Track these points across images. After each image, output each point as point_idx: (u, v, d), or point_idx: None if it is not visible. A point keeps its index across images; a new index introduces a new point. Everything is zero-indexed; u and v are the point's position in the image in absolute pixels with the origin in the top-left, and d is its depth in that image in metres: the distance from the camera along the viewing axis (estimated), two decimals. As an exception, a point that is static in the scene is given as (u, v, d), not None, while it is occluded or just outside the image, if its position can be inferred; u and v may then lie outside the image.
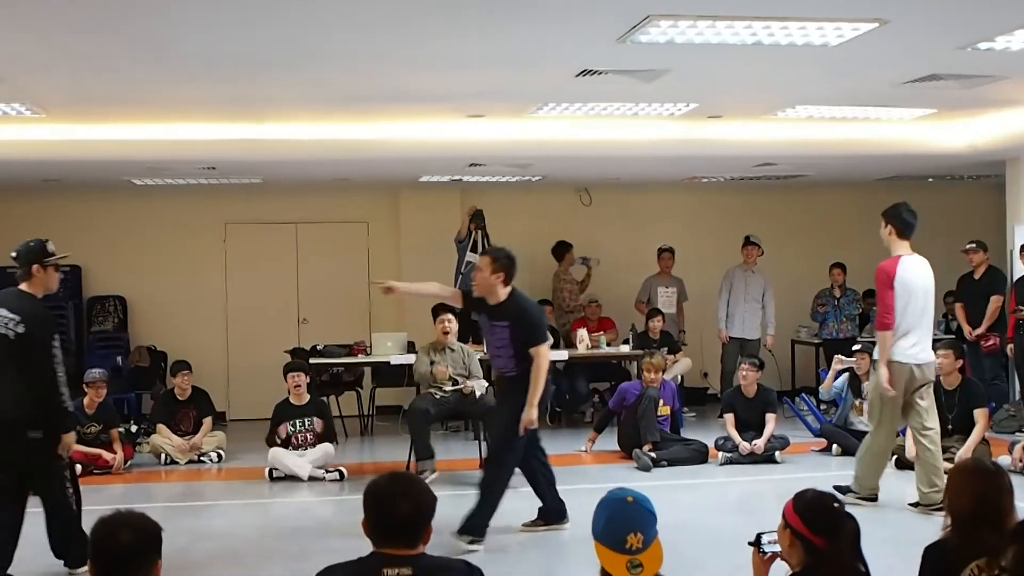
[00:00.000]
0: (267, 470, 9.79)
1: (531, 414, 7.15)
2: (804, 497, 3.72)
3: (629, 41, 6.67)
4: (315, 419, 10.14)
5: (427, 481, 8.59)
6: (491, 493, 7.28)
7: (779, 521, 3.71)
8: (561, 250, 13.79)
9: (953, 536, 3.82)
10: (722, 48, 6.91)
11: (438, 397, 9.83)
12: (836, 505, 3.73)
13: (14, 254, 6.66)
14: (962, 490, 3.90)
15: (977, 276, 12.00)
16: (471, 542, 7.07)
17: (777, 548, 3.77)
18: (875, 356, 8.03)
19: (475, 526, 7.16)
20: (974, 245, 12.02)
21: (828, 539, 3.57)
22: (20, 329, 6.43)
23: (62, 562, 6.73)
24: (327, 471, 9.71)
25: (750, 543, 3.91)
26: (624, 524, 3.35)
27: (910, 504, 8.03)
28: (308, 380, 10.40)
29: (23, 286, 6.61)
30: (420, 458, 9.46)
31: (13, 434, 6.45)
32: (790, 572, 3.67)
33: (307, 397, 10.27)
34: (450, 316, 10.13)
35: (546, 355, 7.31)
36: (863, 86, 8.80)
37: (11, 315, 6.47)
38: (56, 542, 6.70)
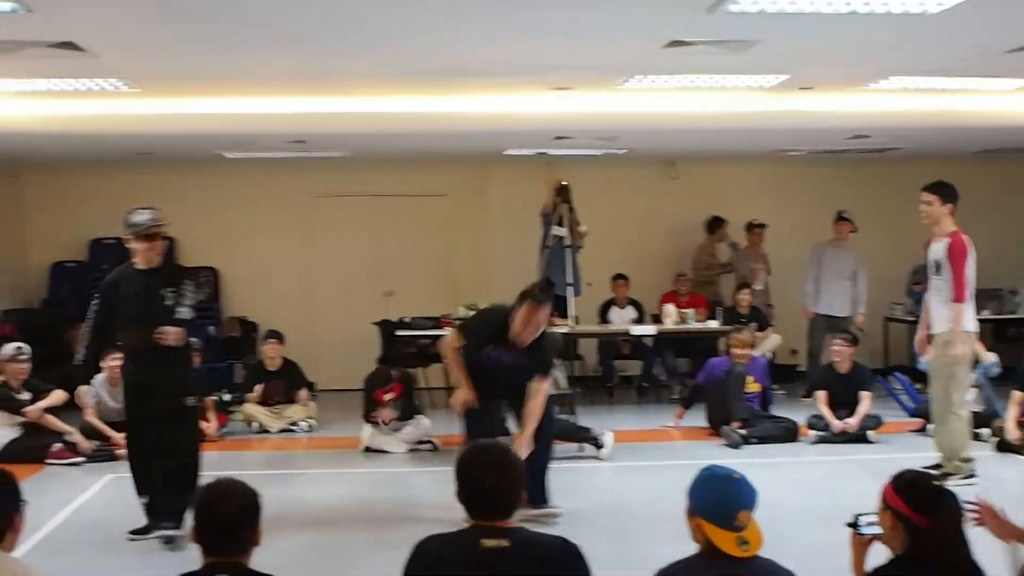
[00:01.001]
0: (362, 445, 9.93)
1: (522, 445, 6.96)
2: (903, 477, 3.66)
3: (719, 10, 6.57)
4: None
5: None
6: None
7: (878, 504, 3.66)
8: (714, 225, 13.81)
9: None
10: (815, 17, 6.75)
11: None
12: (937, 483, 3.68)
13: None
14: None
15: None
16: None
17: (877, 530, 3.70)
18: (936, 330, 8.22)
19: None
20: None
21: (931, 518, 3.49)
22: None
23: None
24: (420, 443, 9.84)
25: (848, 524, 3.85)
26: (735, 501, 3.34)
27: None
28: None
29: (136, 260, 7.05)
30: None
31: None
32: (891, 554, 3.61)
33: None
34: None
35: (547, 388, 7.34)
36: (962, 56, 8.56)
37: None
38: None
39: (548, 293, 7.61)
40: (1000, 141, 12.47)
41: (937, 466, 8.05)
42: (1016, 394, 9.60)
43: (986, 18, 7.02)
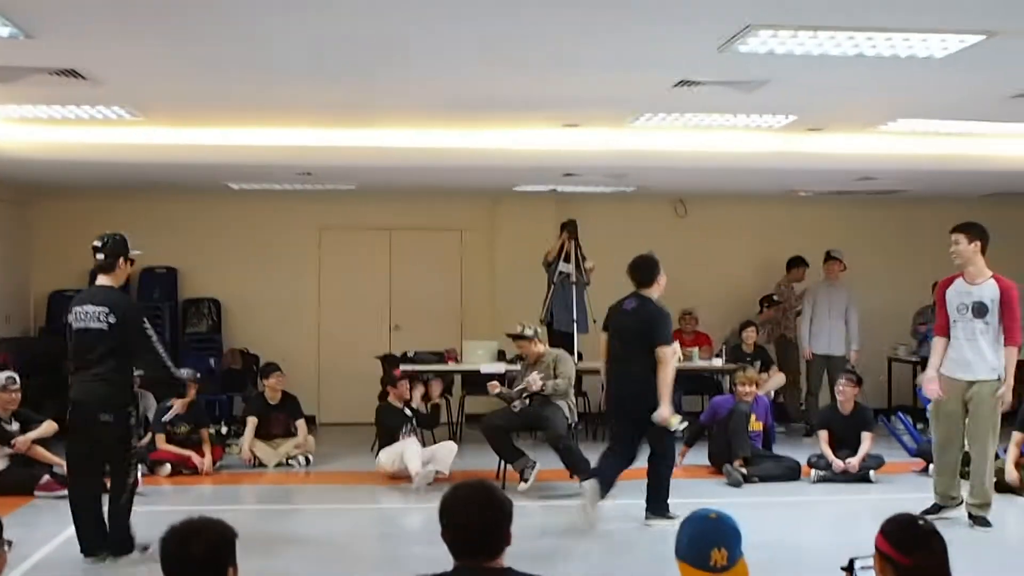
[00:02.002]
0: (383, 468, 10.00)
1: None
2: (891, 519, 3.61)
3: (729, 51, 6.55)
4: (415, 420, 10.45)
5: (530, 478, 8.76)
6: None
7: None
8: (795, 263, 13.79)
9: None
10: (823, 59, 6.74)
11: (517, 410, 9.67)
12: (922, 523, 3.61)
13: (99, 244, 7.10)
14: None
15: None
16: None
17: (871, 574, 3.65)
18: (980, 375, 7.92)
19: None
20: None
21: (914, 557, 3.43)
22: (112, 319, 6.90)
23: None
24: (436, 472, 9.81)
25: (843, 568, 3.80)
26: (708, 540, 3.29)
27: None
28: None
29: (104, 279, 7.11)
30: (512, 460, 9.45)
31: (89, 418, 6.95)
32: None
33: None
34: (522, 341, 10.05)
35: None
36: (970, 99, 8.55)
37: (99, 307, 6.93)
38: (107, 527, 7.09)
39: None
40: (1006, 184, 12.43)
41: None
42: (1016, 435, 9.53)
43: (990, 64, 7.00)
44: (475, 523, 3.28)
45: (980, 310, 7.92)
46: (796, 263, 13.84)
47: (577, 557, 7.46)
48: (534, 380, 9.59)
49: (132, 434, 7.09)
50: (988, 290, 7.90)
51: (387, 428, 10.23)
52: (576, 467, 9.14)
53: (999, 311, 7.85)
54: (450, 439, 10.81)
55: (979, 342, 7.89)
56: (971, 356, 7.91)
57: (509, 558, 3.34)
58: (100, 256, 7.10)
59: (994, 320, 7.86)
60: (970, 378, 7.91)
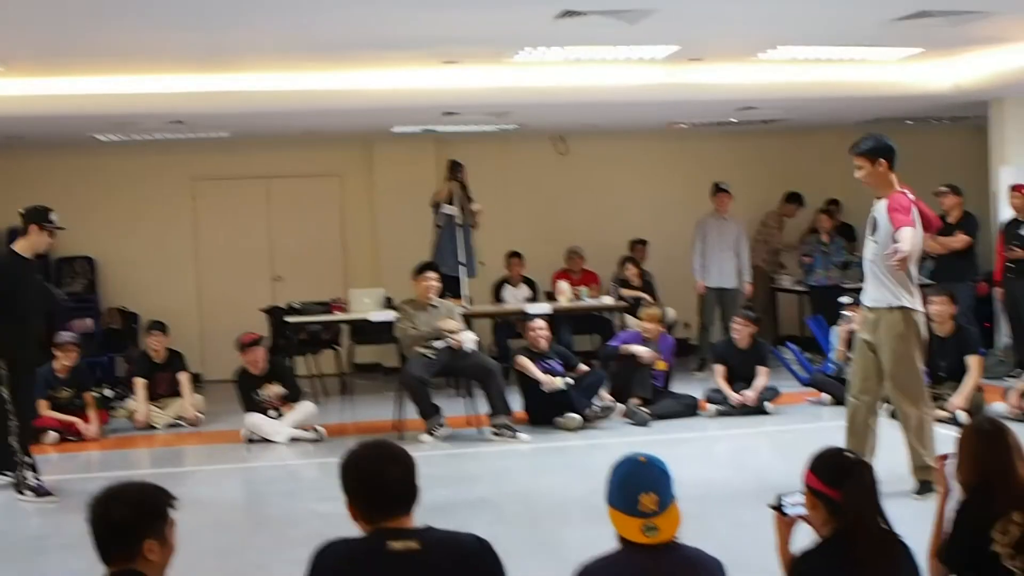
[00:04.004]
0: (244, 434, 9.56)
1: None
2: (817, 455, 3.59)
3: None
4: (279, 384, 9.85)
5: (437, 436, 8.63)
6: None
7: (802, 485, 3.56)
8: (793, 200, 13.93)
9: (971, 502, 3.87)
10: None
11: (431, 357, 9.43)
12: (848, 455, 3.63)
13: (22, 212, 7.60)
14: (966, 460, 3.98)
15: (951, 220, 11.40)
16: None
17: (801, 510, 3.61)
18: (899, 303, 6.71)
19: None
20: (946, 189, 11.55)
21: (843, 490, 3.41)
22: None
23: None
24: (305, 430, 9.51)
25: (771, 506, 3.75)
26: (636, 484, 3.16)
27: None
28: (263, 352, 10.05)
29: (15, 244, 7.60)
30: (427, 416, 9.27)
31: None
32: (817, 537, 3.49)
33: (265, 366, 9.90)
34: (435, 274, 9.85)
35: None
36: (849, 24, 8.58)
37: None
38: None
39: None
40: (884, 110, 12.57)
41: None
42: None
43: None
44: (394, 478, 3.14)
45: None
46: (792, 199, 13.99)
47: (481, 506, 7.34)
48: (469, 339, 9.58)
49: None
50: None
51: (245, 397, 9.84)
52: (497, 406, 9.25)
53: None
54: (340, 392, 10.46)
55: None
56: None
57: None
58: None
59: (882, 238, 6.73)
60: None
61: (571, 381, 9.58)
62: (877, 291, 6.78)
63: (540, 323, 10.13)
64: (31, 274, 7.78)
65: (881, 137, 6.87)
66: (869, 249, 6.86)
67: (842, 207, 14.03)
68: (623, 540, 3.16)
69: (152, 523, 3.08)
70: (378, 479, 3.14)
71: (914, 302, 6.74)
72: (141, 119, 10.85)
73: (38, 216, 7.60)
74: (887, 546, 3.42)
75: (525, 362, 9.71)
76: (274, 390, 9.72)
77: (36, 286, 7.92)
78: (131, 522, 3.04)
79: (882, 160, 6.72)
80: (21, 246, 7.58)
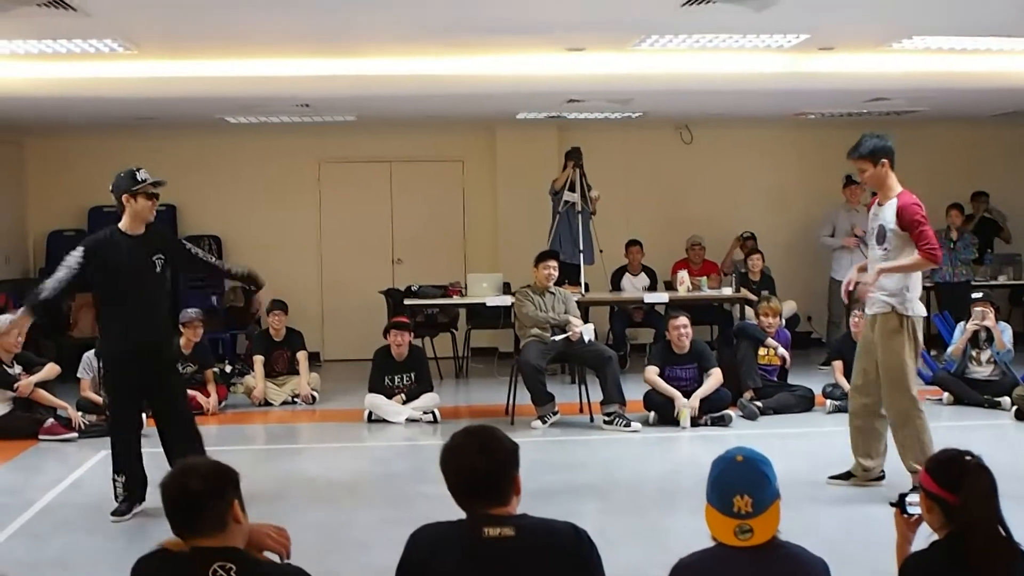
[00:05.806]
0: (365, 413, 9.67)
1: None
2: (934, 456, 3.47)
3: (740, -35, 6.30)
4: (413, 374, 9.94)
5: (549, 424, 8.58)
6: None
7: None
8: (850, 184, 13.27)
9: None
10: (839, -27, 6.49)
11: (547, 343, 9.45)
12: (968, 458, 3.43)
13: (111, 188, 6.70)
14: None
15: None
16: None
17: (919, 510, 3.50)
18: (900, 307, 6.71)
19: None
20: None
21: (960, 494, 3.27)
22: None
23: None
24: (424, 412, 9.59)
25: (892, 504, 3.65)
26: (731, 485, 3.07)
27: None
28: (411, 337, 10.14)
29: (120, 224, 6.71)
30: (540, 404, 9.27)
31: None
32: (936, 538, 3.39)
33: (407, 353, 9.99)
34: (554, 262, 9.82)
35: None
36: (986, 14, 8.28)
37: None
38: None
39: None
40: (1019, 103, 12.15)
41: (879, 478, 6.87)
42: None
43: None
44: (479, 467, 3.12)
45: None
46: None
47: (588, 493, 7.29)
48: (588, 330, 9.51)
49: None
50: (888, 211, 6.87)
51: (378, 374, 9.91)
52: (611, 394, 9.17)
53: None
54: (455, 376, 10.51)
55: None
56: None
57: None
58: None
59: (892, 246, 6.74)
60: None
61: (696, 405, 9.21)
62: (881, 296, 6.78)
63: (683, 320, 9.58)
64: (138, 252, 6.69)
65: (880, 137, 6.98)
66: (877, 256, 6.85)
67: (987, 201, 13.66)
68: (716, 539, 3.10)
69: (234, 487, 3.08)
70: (467, 471, 3.14)
71: (915, 307, 6.74)
72: (268, 102, 11.00)
73: (123, 185, 6.63)
74: (1003, 552, 3.29)
75: (655, 378, 9.42)
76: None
77: (148, 265, 6.76)
78: (214, 484, 3.04)
79: (884, 160, 6.87)
80: (124, 223, 6.67)
